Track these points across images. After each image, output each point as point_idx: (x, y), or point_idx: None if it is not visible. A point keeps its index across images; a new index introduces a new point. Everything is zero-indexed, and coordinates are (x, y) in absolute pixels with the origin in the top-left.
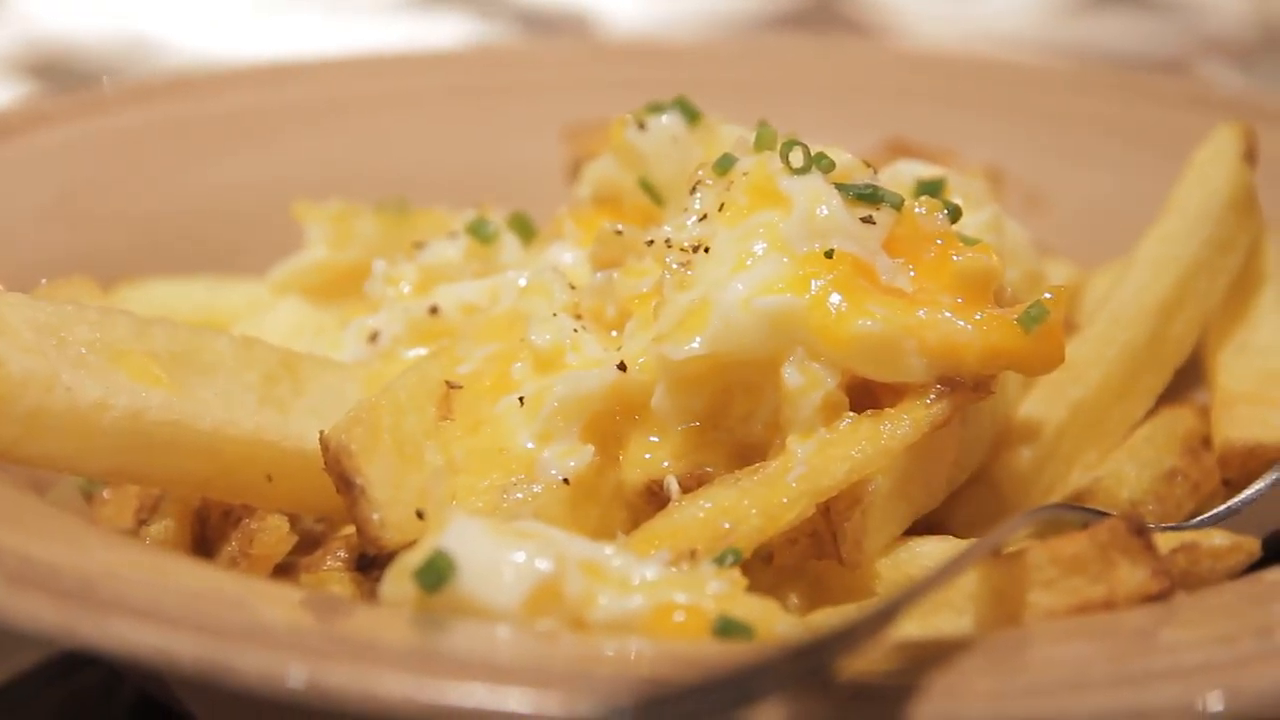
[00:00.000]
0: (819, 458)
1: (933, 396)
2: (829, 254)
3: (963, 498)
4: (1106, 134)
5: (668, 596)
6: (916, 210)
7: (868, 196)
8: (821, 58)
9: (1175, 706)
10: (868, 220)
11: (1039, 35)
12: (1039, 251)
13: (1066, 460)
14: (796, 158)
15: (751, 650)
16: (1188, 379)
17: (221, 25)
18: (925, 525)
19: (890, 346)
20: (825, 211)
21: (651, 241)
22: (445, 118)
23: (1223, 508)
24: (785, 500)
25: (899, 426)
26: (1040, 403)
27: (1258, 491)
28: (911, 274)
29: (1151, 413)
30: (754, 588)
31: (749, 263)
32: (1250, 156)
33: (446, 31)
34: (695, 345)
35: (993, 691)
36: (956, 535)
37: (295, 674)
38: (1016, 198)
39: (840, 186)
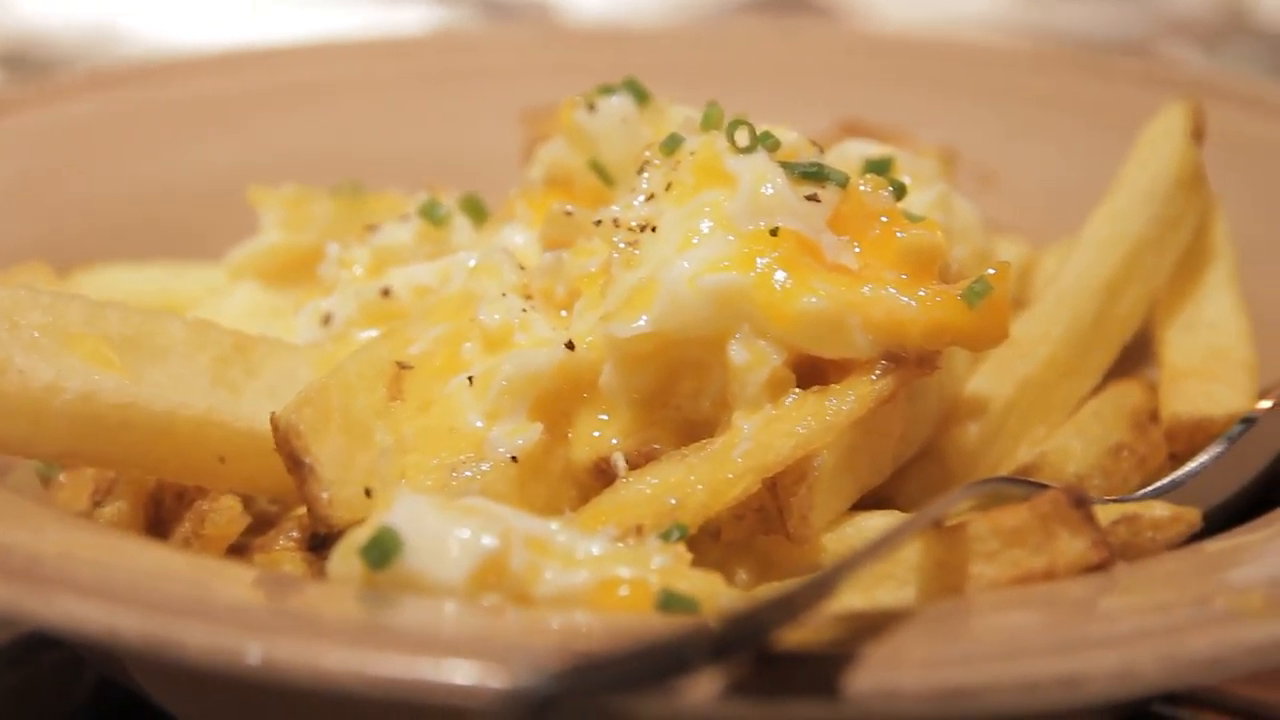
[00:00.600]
0: (765, 434)
1: (878, 372)
2: (774, 232)
3: (910, 473)
4: (1061, 113)
5: (612, 571)
6: (861, 188)
7: (813, 175)
8: (778, 41)
9: (1110, 673)
10: (813, 198)
11: (1004, 18)
12: (991, 230)
13: (1014, 436)
14: (742, 137)
15: (689, 621)
16: (1137, 356)
17: (187, 14)
18: (873, 500)
19: (835, 323)
20: (770, 190)
21: (600, 222)
22: (404, 103)
23: (1166, 481)
24: (731, 476)
25: (844, 402)
26: (988, 379)
27: (1201, 464)
28: (857, 251)
29: (1099, 389)
30: (701, 563)
31: (695, 241)
32: (1198, 134)
33: (409, 18)
34: (642, 323)
35: (930, 660)
36: (903, 510)
37: (241, 649)
38: (970, 177)
39: (786, 165)
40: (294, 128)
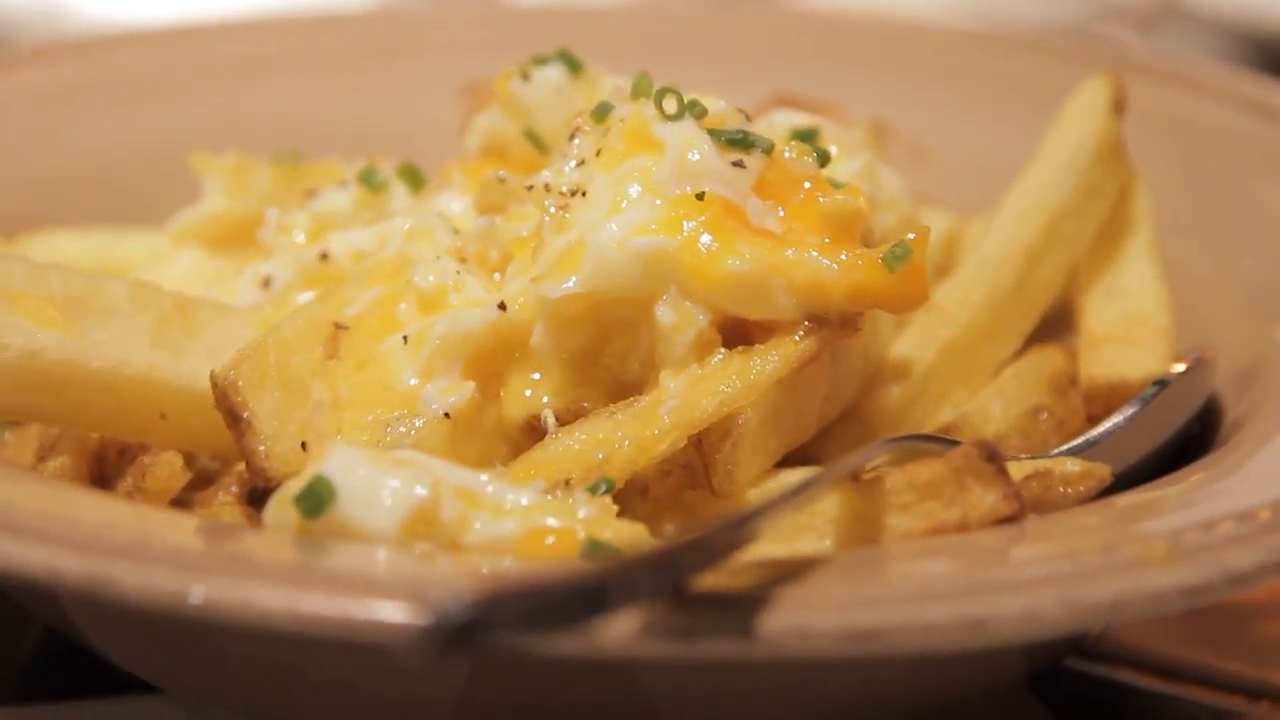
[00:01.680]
0: (690, 392)
1: (801, 333)
2: (700, 196)
3: (834, 432)
4: (990, 89)
5: (539, 521)
6: (786, 155)
7: (739, 141)
8: (715, 19)
9: (1013, 616)
10: (738, 164)
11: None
12: (918, 200)
13: (936, 398)
14: (670, 104)
15: (607, 561)
16: (1059, 323)
17: None
18: (798, 458)
19: (759, 285)
20: (697, 156)
21: (531, 187)
22: (347, 76)
23: (1080, 440)
24: (657, 432)
25: (768, 362)
26: (911, 343)
27: (1115, 425)
28: (781, 215)
29: (1021, 353)
30: (630, 517)
31: (623, 205)
32: (1118, 108)
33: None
34: (570, 284)
35: (841, 602)
36: None
37: (178, 588)
38: (901, 151)
39: (712, 132)
40: (236, 99)
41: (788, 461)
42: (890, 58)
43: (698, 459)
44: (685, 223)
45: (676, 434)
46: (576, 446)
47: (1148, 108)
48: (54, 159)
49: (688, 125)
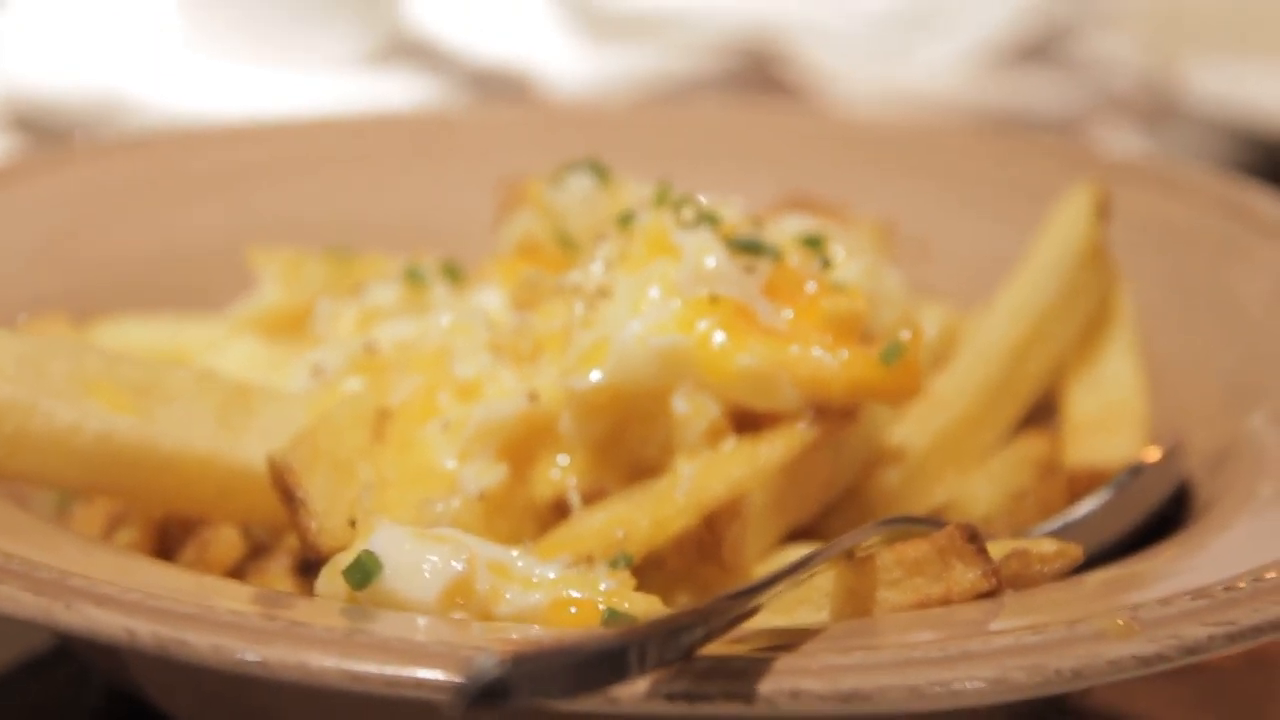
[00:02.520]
0: (703, 475)
1: (805, 423)
2: (713, 299)
3: (835, 512)
4: (993, 190)
5: (564, 592)
6: (793, 260)
7: (749, 247)
8: (733, 119)
9: (987, 681)
10: (749, 269)
11: (961, 96)
12: (919, 296)
13: (930, 479)
14: (687, 214)
15: (623, 630)
16: (1048, 412)
17: (190, 80)
18: (802, 535)
19: (766, 379)
20: (711, 261)
21: (562, 288)
22: (389, 174)
23: (1059, 522)
24: (673, 512)
25: (774, 449)
26: (908, 429)
27: (1092, 508)
28: (787, 316)
29: (1010, 439)
30: (648, 589)
31: (644, 305)
32: (1103, 213)
33: (398, 86)
34: (596, 377)
35: (833, 667)
36: None
37: (240, 649)
38: (906, 248)
39: (726, 239)
40: (289, 195)
41: (791, 538)
42: (896, 157)
43: (709, 536)
44: (700, 322)
45: (690, 514)
46: (598, 525)
47: (1134, 209)
48: (119, 248)
49: (703, 233)
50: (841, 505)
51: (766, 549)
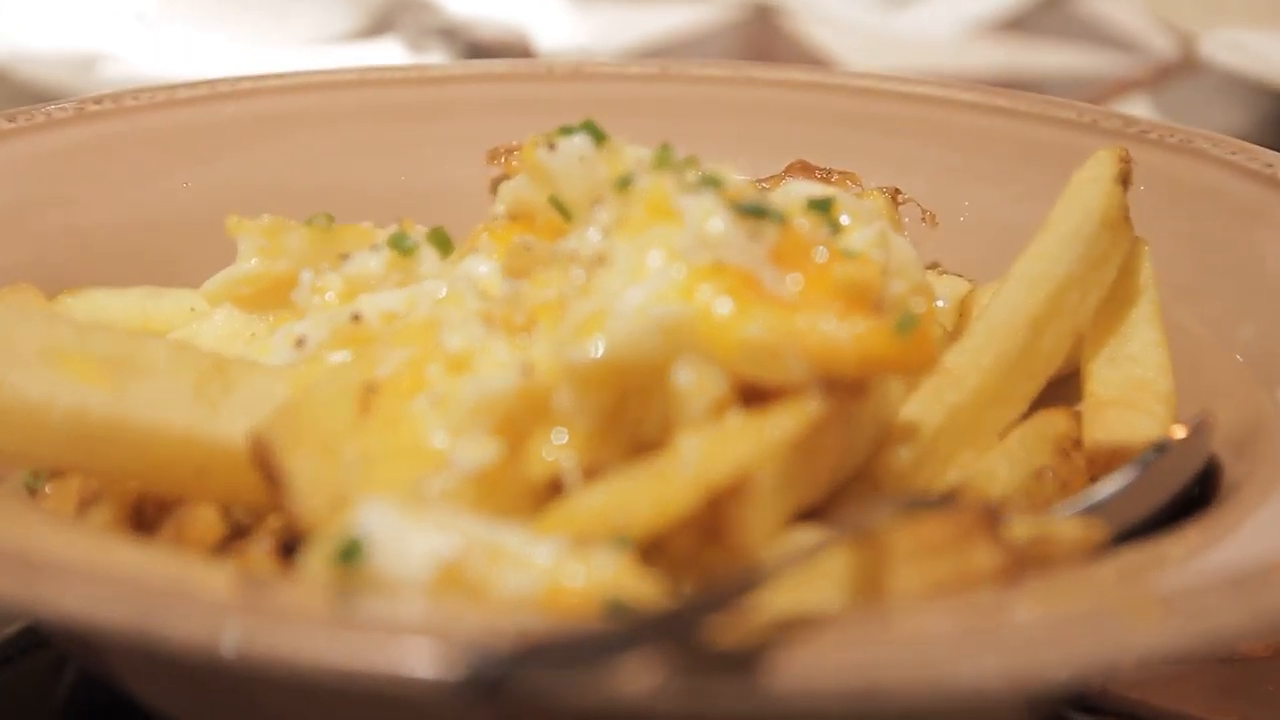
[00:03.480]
0: (708, 453)
1: (814, 398)
2: (718, 266)
3: (846, 493)
4: (1004, 156)
5: (562, 575)
6: (800, 225)
7: (755, 212)
8: (735, 82)
9: (1011, 673)
10: (755, 234)
11: (965, 63)
12: (930, 267)
13: (943, 459)
14: (690, 177)
15: (626, 615)
16: (1069, 388)
17: (170, 49)
18: (809, 517)
19: (774, 351)
20: (714, 226)
21: (557, 254)
22: (376, 137)
23: (1082, 504)
24: (675, 492)
25: (782, 425)
26: (920, 406)
27: (1116, 487)
28: (795, 284)
29: (1027, 416)
30: (650, 574)
31: (644, 273)
32: (1124, 179)
33: (385, 59)
34: (594, 350)
35: (844, 659)
36: None
37: (218, 634)
38: (914, 217)
39: (730, 203)
40: (270, 160)
41: (799, 518)
42: (905, 124)
43: (714, 518)
44: (704, 291)
45: (693, 494)
46: (597, 505)
47: (1154, 176)
48: (93, 216)
49: (706, 196)
50: (851, 485)
51: (774, 530)
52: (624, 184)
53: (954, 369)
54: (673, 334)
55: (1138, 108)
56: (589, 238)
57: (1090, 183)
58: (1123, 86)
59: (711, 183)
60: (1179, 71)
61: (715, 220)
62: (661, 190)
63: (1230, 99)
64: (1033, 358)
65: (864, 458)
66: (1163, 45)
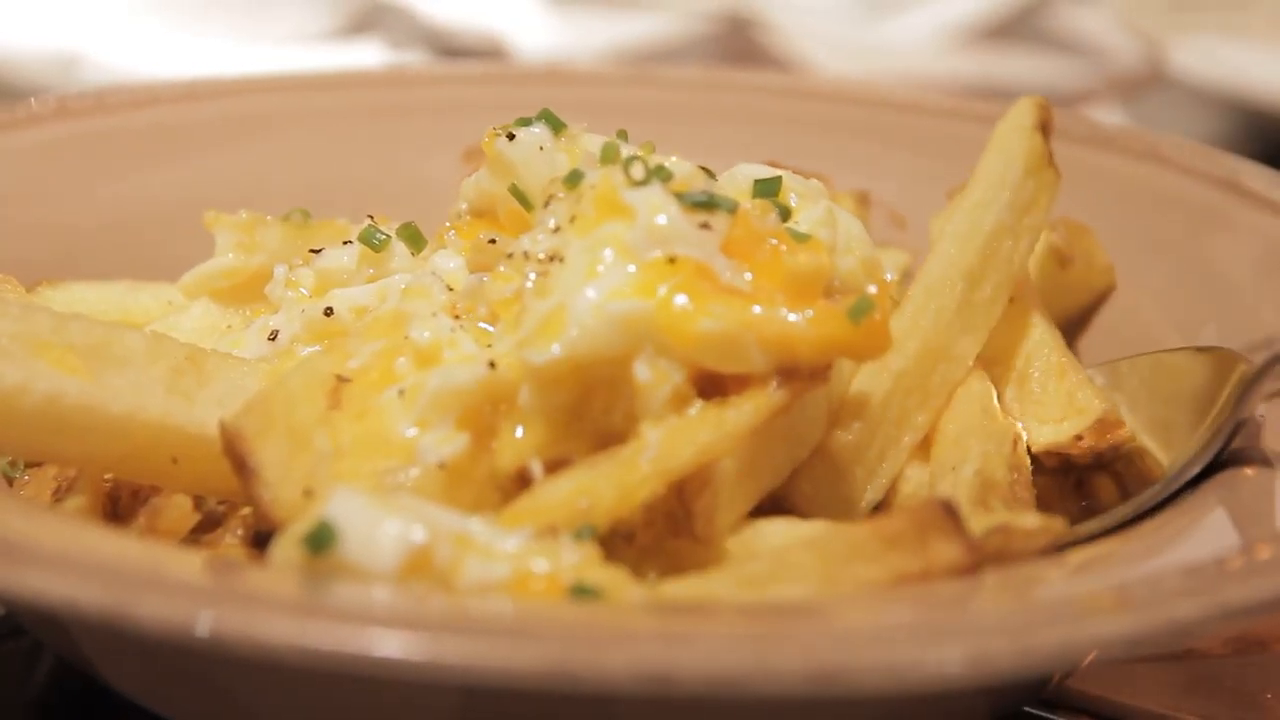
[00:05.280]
0: (669, 442)
1: (774, 386)
2: (671, 260)
3: (803, 473)
4: (972, 160)
5: (528, 565)
6: (749, 211)
7: (704, 204)
8: (708, 84)
9: (967, 659)
10: (705, 226)
11: (938, 72)
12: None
13: (895, 425)
14: (637, 171)
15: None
16: None
17: (151, 46)
18: (769, 500)
19: (732, 342)
20: (665, 220)
21: (511, 255)
22: (352, 135)
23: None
24: (638, 481)
25: (742, 413)
26: (867, 377)
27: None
28: (748, 275)
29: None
30: (617, 563)
31: (599, 270)
32: (1044, 128)
33: (364, 60)
34: (555, 350)
35: (807, 644)
36: (799, 509)
37: (190, 619)
38: (883, 217)
39: (679, 196)
40: (248, 158)
41: (760, 504)
42: (876, 128)
43: (679, 507)
44: (659, 286)
45: (656, 482)
46: (562, 494)
47: (1117, 178)
48: (71, 213)
49: (655, 190)
50: (806, 466)
51: (737, 519)
52: (574, 181)
53: (895, 334)
54: (631, 329)
55: (1110, 116)
56: (541, 237)
57: (1012, 132)
58: (1095, 95)
59: (659, 175)
60: (1151, 80)
61: (663, 214)
62: (610, 185)
63: (1201, 107)
64: (971, 312)
65: (819, 437)
66: (1135, 55)
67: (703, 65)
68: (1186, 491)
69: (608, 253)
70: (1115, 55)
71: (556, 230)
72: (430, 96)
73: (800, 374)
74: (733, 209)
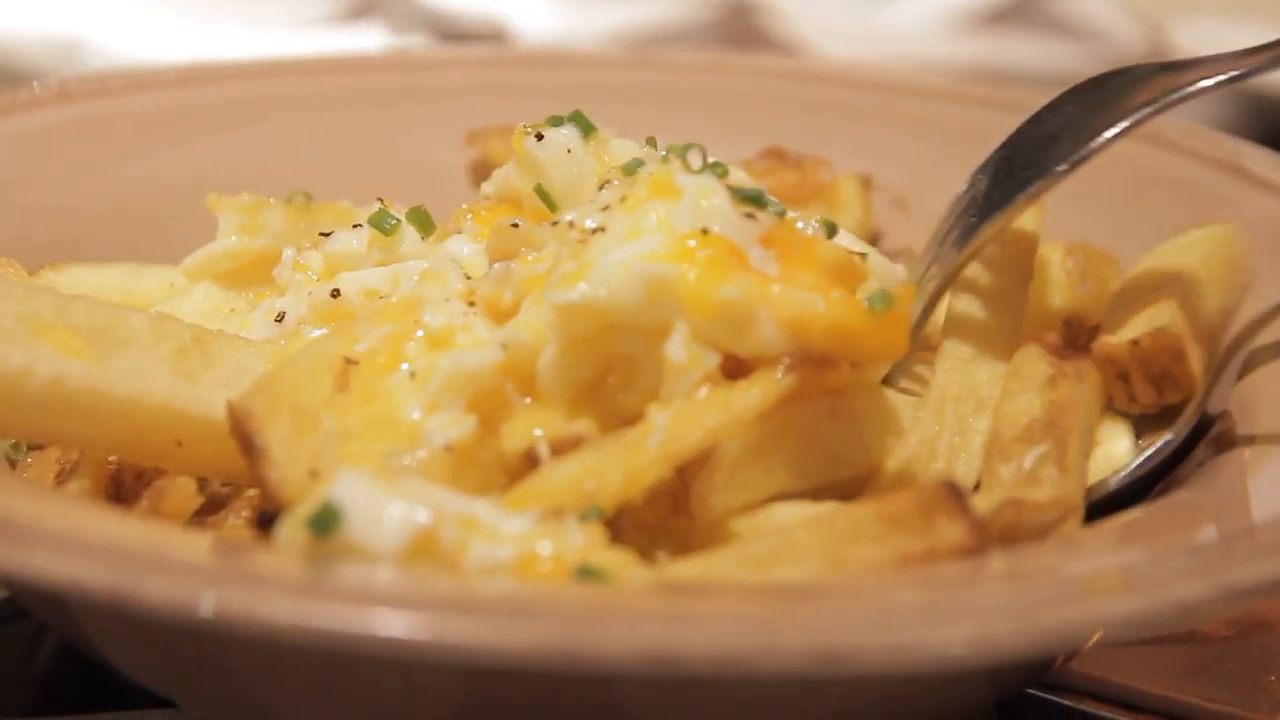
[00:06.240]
0: (676, 425)
1: (782, 370)
2: (705, 233)
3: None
4: (974, 143)
5: (534, 546)
6: (795, 219)
7: (753, 198)
8: (711, 68)
9: (971, 639)
10: (749, 216)
11: (941, 57)
12: (901, 251)
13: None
14: (694, 159)
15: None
16: None
17: (154, 31)
18: None
19: (748, 315)
20: (711, 202)
21: (556, 223)
22: (355, 119)
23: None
24: (645, 463)
25: (749, 396)
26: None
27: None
28: (780, 265)
29: None
30: (623, 545)
31: (636, 237)
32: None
33: (365, 44)
34: (577, 293)
35: (811, 624)
36: None
37: (194, 599)
38: (884, 202)
39: (730, 186)
40: (250, 141)
41: None
42: (878, 112)
43: (681, 487)
44: (689, 254)
45: (662, 465)
46: (569, 476)
47: (1121, 161)
48: (74, 197)
49: (708, 178)
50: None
51: (744, 504)
52: (632, 168)
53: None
54: (654, 291)
55: None
56: (589, 211)
57: None
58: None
59: (715, 169)
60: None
61: (713, 197)
62: (667, 172)
63: (1208, 97)
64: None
65: (867, 462)
66: (1137, 38)
67: (705, 49)
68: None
69: (649, 221)
70: (1117, 39)
71: (605, 209)
72: (432, 80)
73: (810, 361)
74: (781, 212)
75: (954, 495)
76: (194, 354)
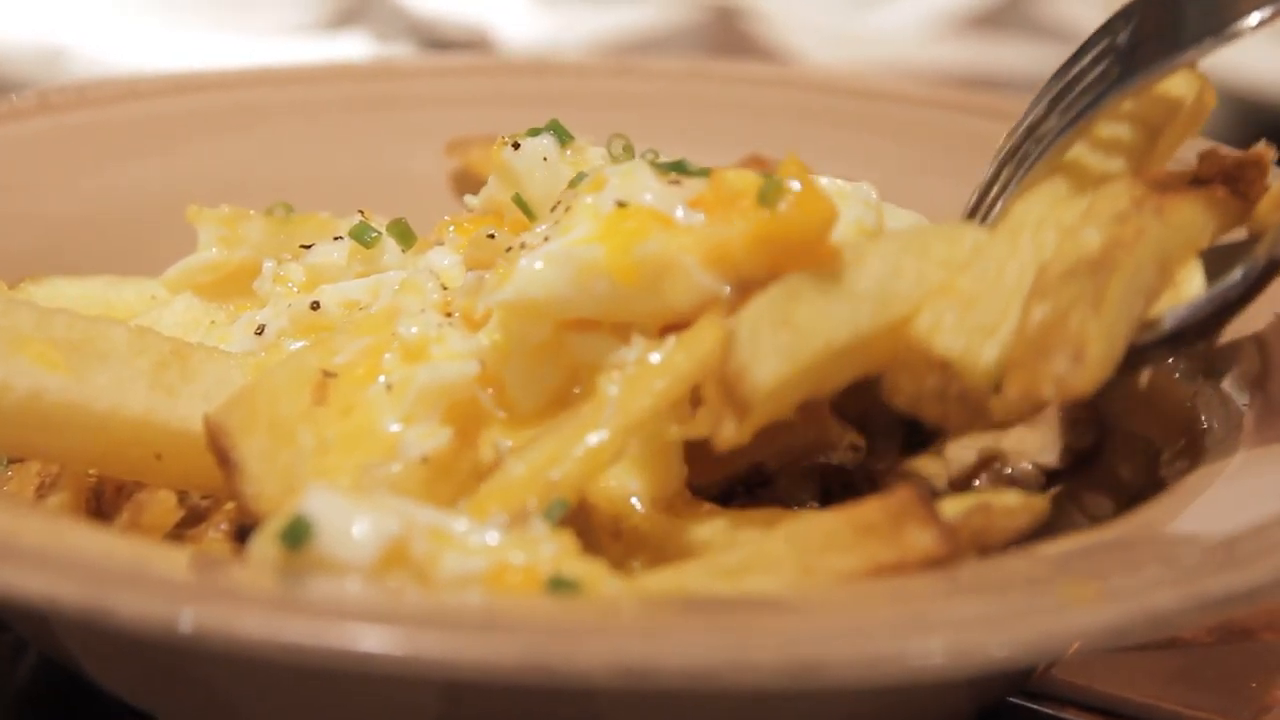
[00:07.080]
0: (627, 394)
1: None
2: (621, 206)
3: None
4: (957, 150)
5: (506, 557)
6: (727, 171)
7: (675, 167)
8: (693, 76)
9: (945, 651)
10: (674, 182)
11: (925, 61)
12: None
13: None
14: (616, 148)
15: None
16: None
17: (135, 39)
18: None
19: (672, 266)
20: (633, 180)
21: (510, 248)
22: (336, 128)
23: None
24: (602, 441)
25: (696, 345)
26: None
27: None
28: (707, 218)
29: None
30: (600, 556)
31: (566, 231)
32: None
33: (350, 52)
34: (510, 290)
35: (782, 637)
36: None
37: (170, 615)
38: None
39: (653, 164)
40: (231, 151)
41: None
42: (860, 118)
43: (714, 390)
44: (612, 230)
45: (620, 439)
46: (530, 468)
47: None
48: (54, 207)
49: (632, 162)
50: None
51: (799, 369)
52: (577, 180)
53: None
54: (580, 270)
55: None
56: (540, 228)
57: None
58: None
59: (646, 156)
60: None
61: (635, 176)
62: (601, 174)
63: None
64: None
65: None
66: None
67: (690, 55)
68: None
69: (578, 214)
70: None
71: (555, 224)
72: (416, 89)
73: (752, 284)
74: (709, 174)
75: (923, 503)
76: (173, 367)
